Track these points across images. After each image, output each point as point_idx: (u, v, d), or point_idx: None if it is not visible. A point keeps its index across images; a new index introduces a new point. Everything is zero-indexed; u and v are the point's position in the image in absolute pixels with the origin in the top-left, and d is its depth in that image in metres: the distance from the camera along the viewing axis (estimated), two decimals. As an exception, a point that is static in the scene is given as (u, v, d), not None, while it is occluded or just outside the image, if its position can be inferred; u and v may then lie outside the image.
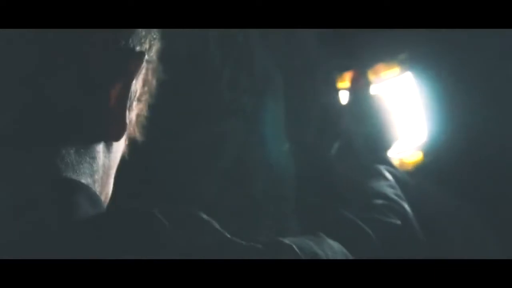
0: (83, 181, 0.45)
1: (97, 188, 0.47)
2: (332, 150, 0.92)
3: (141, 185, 0.63)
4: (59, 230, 0.39)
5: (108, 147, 0.49)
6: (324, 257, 0.52)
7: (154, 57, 0.53)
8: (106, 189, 0.51)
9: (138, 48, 0.48)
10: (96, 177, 0.47)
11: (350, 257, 0.58)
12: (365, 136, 0.92)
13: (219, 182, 0.89)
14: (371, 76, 0.99)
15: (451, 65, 1.01)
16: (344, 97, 1.02)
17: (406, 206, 0.75)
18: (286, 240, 0.50)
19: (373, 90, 0.98)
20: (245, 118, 0.89)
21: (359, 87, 0.98)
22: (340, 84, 1.03)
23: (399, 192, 0.78)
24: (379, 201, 0.74)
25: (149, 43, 0.51)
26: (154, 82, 0.54)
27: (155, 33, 0.52)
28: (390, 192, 0.77)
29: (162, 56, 0.54)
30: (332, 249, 0.58)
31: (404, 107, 0.99)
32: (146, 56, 0.49)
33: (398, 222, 0.71)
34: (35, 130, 0.44)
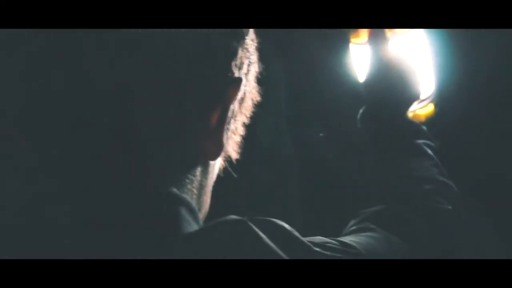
0: (183, 195, 0.48)
1: (193, 203, 0.50)
2: (358, 115, 0.92)
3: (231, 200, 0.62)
4: (166, 240, 0.43)
5: (206, 166, 0.52)
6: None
7: (251, 80, 0.55)
8: (205, 206, 0.54)
9: (236, 74, 0.50)
10: (195, 191, 0.50)
11: (406, 251, 0.61)
12: (389, 94, 0.91)
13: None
14: (388, 32, 0.98)
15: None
16: (362, 54, 1.01)
17: (453, 185, 0.77)
18: (353, 243, 0.54)
19: (391, 45, 0.97)
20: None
21: (377, 43, 0.96)
22: (355, 40, 1.02)
23: (443, 170, 0.79)
24: (427, 186, 0.75)
25: (247, 67, 0.52)
26: (249, 102, 0.55)
27: (252, 57, 0.53)
28: (435, 173, 0.78)
29: (259, 78, 0.55)
30: (393, 246, 0.61)
31: (417, 61, 0.99)
32: (244, 80, 0.51)
33: (449, 207, 0.72)
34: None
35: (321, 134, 1.12)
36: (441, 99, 1.04)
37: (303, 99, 1.23)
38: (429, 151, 0.82)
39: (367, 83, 0.94)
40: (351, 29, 1.01)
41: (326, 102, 1.19)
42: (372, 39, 0.97)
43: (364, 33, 1.00)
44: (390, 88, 0.92)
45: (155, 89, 0.44)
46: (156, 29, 0.44)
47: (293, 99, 1.23)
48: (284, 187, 1.15)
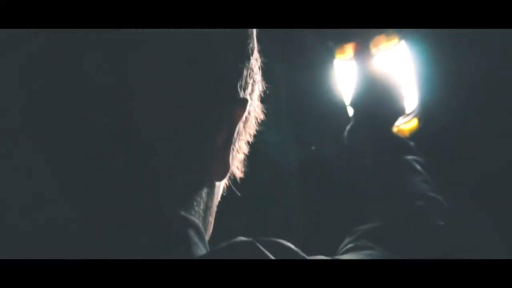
0: (191, 218, 0.47)
1: (201, 226, 0.50)
2: (345, 132, 0.92)
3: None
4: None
5: (211, 187, 0.51)
6: None
7: (255, 99, 0.55)
8: (210, 227, 0.53)
9: (241, 95, 0.50)
10: (201, 213, 0.50)
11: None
12: (375, 110, 0.92)
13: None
14: (372, 48, 0.99)
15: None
16: (347, 70, 1.02)
17: (443, 200, 0.77)
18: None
19: (376, 62, 0.98)
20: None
21: (362, 60, 0.97)
22: (340, 56, 1.03)
23: (433, 186, 0.79)
24: (420, 203, 0.75)
25: (251, 87, 0.53)
26: (253, 121, 0.55)
27: (256, 77, 0.53)
28: (427, 189, 0.78)
29: (262, 97, 0.55)
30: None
31: (401, 76, 1.01)
32: (249, 100, 0.51)
33: (442, 223, 0.73)
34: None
35: (313, 148, 1.13)
36: (425, 114, 1.06)
37: (303, 100, 1.23)
38: (418, 167, 0.82)
39: (353, 99, 0.95)
40: (337, 45, 1.03)
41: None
42: (357, 55, 0.98)
43: (349, 49, 1.01)
44: (376, 104, 0.92)
45: (157, 111, 0.44)
46: (157, 30, 0.43)
47: (294, 99, 1.23)
48: (284, 188, 1.15)
